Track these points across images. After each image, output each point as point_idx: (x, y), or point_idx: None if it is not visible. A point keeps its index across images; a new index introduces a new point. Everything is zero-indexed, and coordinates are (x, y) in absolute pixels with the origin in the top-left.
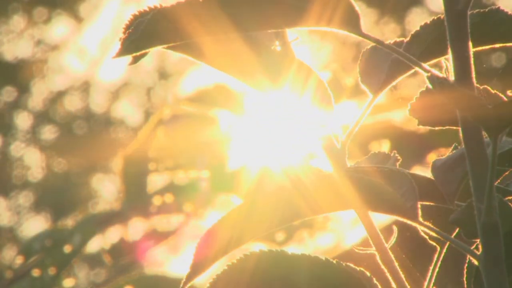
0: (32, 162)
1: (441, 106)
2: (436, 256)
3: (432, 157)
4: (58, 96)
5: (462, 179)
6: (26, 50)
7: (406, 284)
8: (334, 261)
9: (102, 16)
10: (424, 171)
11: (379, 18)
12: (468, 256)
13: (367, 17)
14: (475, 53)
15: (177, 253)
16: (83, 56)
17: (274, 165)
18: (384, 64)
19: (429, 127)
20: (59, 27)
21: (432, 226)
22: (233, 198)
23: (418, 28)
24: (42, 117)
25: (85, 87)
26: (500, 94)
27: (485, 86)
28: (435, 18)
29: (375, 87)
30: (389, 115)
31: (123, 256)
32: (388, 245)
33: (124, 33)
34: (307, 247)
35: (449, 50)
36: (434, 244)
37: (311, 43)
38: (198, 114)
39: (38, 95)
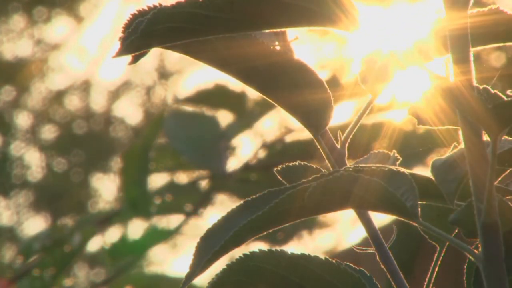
0: (32, 162)
1: (441, 106)
2: (436, 256)
3: (432, 157)
4: (58, 96)
5: (462, 179)
6: (26, 50)
7: (406, 284)
8: (334, 261)
9: (102, 15)
10: (424, 171)
11: (379, 17)
12: (468, 256)
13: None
14: (475, 53)
15: (177, 253)
16: (83, 55)
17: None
18: (383, 64)
19: (429, 127)
20: (59, 26)
21: (432, 226)
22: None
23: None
24: (42, 117)
25: (85, 87)
26: (500, 94)
27: (485, 86)
28: (435, 17)
29: (375, 87)
30: (389, 115)
31: (123, 256)
32: (388, 245)
33: (123, 32)
34: (307, 247)
35: (449, 50)
36: (434, 243)
37: (311, 43)
38: (198, 114)
39: (38, 94)
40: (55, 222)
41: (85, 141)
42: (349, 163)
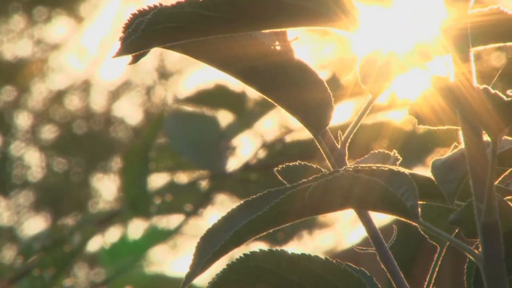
0: (32, 162)
1: (441, 106)
2: (436, 256)
3: (432, 157)
4: (58, 96)
5: (462, 179)
6: (26, 50)
7: (406, 284)
8: (334, 261)
9: (102, 15)
10: (424, 171)
11: (379, 17)
12: (468, 256)
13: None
14: (475, 53)
15: (177, 253)
16: (83, 55)
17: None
18: (384, 64)
19: (429, 127)
20: (59, 26)
21: (432, 226)
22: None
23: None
24: (42, 117)
25: (85, 87)
26: (500, 94)
27: (485, 86)
28: (436, 17)
29: (375, 87)
30: (389, 115)
31: (123, 256)
32: (388, 245)
33: (124, 32)
34: (307, 247)
35: (449, 50)
36: (434, 243)
37: (311, 43)
38: (198, 114)
39: (38, 94)
40: (55, 222)
41: (85, 141)
42: (349, 163)
